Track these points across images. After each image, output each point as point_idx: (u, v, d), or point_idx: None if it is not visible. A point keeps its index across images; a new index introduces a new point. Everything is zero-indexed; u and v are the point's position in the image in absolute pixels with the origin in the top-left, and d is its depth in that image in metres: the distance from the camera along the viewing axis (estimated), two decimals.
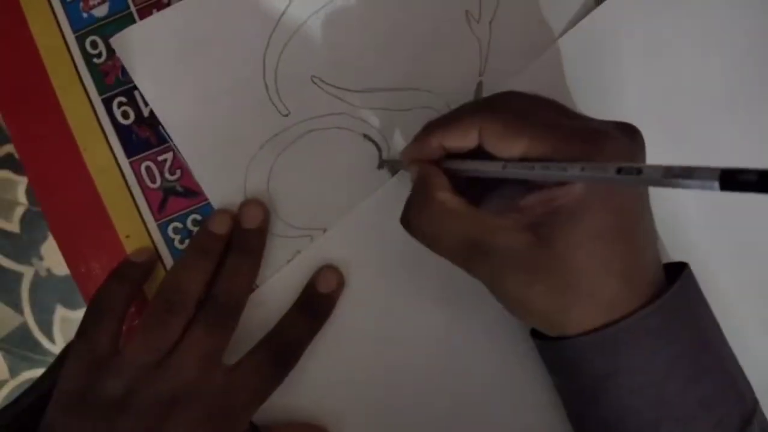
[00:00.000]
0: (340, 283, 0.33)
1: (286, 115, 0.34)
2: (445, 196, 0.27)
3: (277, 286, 0.34)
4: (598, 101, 0.33)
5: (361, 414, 0.34)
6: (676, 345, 0.25)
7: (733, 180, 0.18)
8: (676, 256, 0.33)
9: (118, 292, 0.32)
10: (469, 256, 0.26)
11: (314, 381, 0.34)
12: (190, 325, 0.31)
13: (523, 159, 0.25)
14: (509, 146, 0.25)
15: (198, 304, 0.31)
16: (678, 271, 0.27)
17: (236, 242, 0.33)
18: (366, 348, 0.34)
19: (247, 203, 0.33)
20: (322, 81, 0.34)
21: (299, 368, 0.32)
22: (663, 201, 0.32)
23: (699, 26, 0.33)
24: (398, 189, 0.33)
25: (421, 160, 0.29)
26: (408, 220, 0.28)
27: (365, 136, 0.34)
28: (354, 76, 0.34)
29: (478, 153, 0.27)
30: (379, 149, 0.34)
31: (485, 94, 0.33)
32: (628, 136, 0.25)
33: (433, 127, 0.28)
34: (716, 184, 0.18)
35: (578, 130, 0.25)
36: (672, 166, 0.20)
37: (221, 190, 0.34)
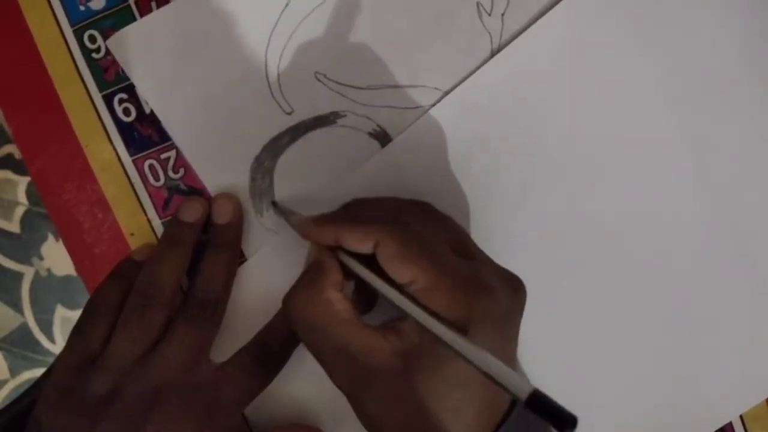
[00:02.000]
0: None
1: (290, 113, 0.33)
2: (334, 296, 0.26)
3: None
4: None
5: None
6: None
7: (537, 404, 0.21)
8: None
9: (115, 290, 0.32)
10: (338, 365, 0.26)
11: (307, 380, 0.33)
12: (171, 322, 0.31)
13: (408, 285, 0.26)
14: (399, 270, 0.26)
15: (177, 295, 0.31)
16: None
17: (211, 238, 0.32)
18: None
19: (217, 198, 0.33)
20: (326, 77, 0.33)
21: (293, 368, 0.32)
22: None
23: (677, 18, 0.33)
24: (384, 165, 0.33)
25: (320, 245, 0.28)
26: (290, 304, 0.27)
27: (370, 134, 0.33)
28: (359, 72, 0.33)
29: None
30: (383, 148, 0.33)
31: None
32: (512, 291, 0.27)
33: (332, 221, 0.28)
34: (524, 398, 0.21)
35: (466, 277, 0.25)
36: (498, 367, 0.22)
37: (225, 189, 0.33)
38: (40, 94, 0.33)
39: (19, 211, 1.01)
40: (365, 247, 0.26)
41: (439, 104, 0.33)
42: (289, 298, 0.27)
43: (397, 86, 0.33)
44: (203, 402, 0.30)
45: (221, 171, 0.33)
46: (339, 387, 0.26)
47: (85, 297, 0.33)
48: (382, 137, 0.33)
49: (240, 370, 0.31)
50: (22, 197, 1.01)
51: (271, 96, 0.33)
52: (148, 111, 0.33)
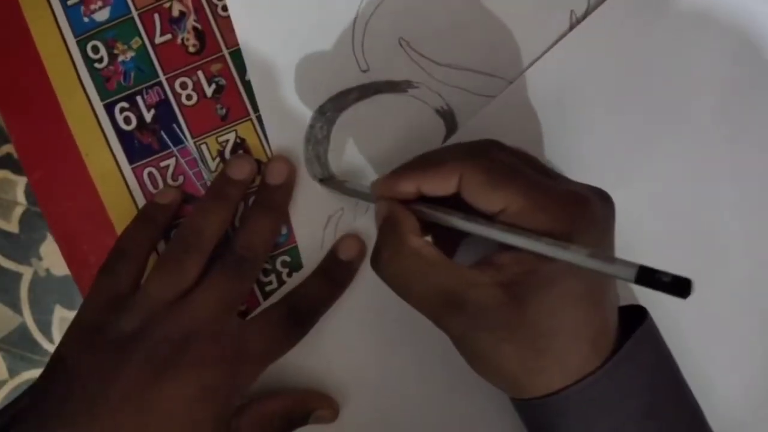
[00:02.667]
0: (361, 253, 0.33)
1: (365, 71, 0.33)
2: (419, 243, 0.26)
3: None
4: (571, 130, 0.33)
5: (368, 388, 0.33)
6: (618, 414, 0.25)
7: (648, 278, 0.21)
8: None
9: (142, 233, 0.32)
10: (441, 308, 0.26)
11: (317, 350, 0.33)
12: (207, 272, 0.31)
13: (501, 213, 0.25)
14: (490, 198, 0.25)
15: (215, 249, 0.31)
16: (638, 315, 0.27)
17: (259, 197, 0.33)
18: (389, 323, 0.33)
19: (274, 159, 0.33)
20: (409, 46, 0.33)
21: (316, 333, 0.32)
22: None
23: (675, 50, 0.33)
24: None
25: (391, 199, 0.28)
26: (378, 265, 0.27)
27: (437, 111, 0.33)
28: (442, 48, 0.33)
29: (451, 200, 0.27)
30: (448, 129, 0.33)
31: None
32: (603, 200, 0.26)
33: (412, 167, 0.28)
34: (633, 277, 0.21)
35: (561, 192, 0.25)
36: (599, 252, 0.23)
37: (282, 132, 0.33)
38: (41, 102, 0.34)
39: (18, 211, 1.01)
40: (449, 186, 0.26)
41: (507, 91, 0.32)
42: (376, 262, 0.27)
43: (475, 71, 0.33)
44: (229, 351, 0.29)
45: (282, 113, 0.33)
46: (449, 333, 0.26)
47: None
48: (449, 117, 0.33)
49: (268, 326, 0.31)
50: (21, 197, 1.01)
51: (352, 49, 0.33)
52: (149, 120, 0.34)
